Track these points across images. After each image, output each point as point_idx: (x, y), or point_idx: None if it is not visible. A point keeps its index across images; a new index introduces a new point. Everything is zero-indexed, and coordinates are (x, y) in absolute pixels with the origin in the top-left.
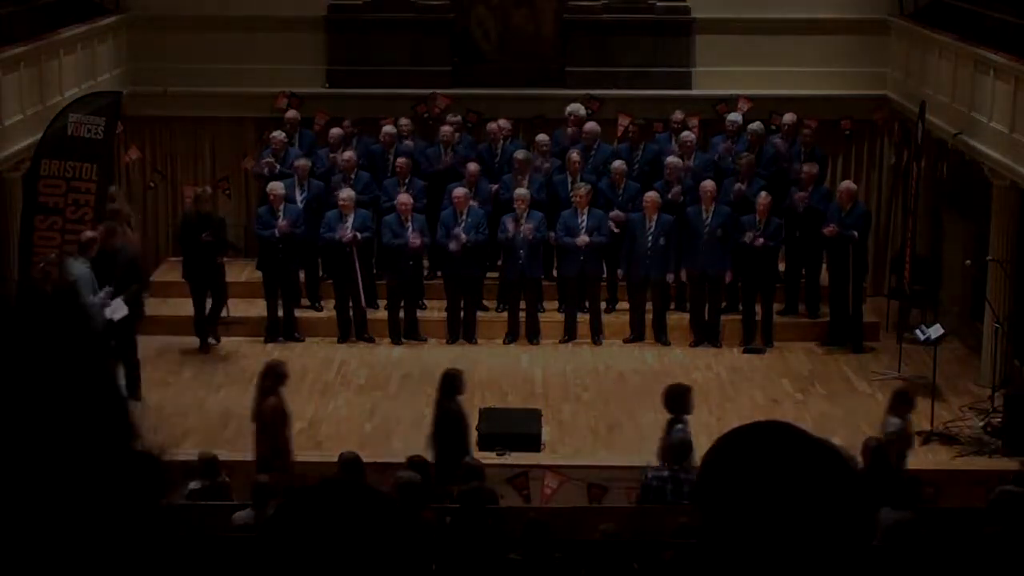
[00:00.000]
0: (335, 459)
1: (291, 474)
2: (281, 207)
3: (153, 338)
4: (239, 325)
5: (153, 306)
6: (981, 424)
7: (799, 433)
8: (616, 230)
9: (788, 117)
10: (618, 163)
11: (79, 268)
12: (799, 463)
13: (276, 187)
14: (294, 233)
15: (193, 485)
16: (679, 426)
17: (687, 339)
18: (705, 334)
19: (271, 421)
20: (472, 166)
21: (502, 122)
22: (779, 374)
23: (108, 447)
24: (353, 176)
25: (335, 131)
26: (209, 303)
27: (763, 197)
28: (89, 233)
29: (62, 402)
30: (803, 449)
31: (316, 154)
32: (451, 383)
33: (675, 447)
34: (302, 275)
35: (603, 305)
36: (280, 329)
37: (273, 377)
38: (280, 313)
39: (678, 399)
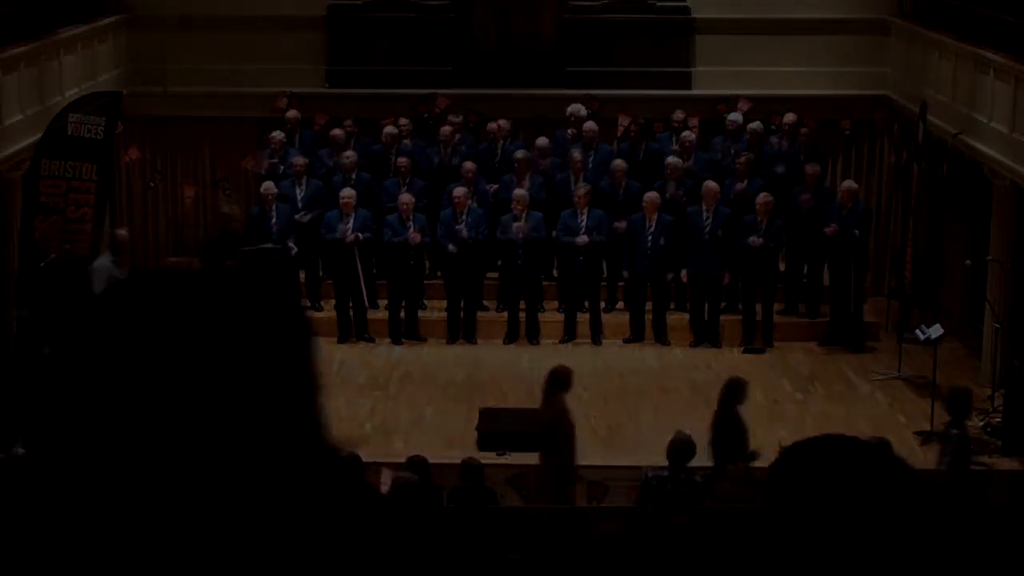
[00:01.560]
0: None
1: (576, 477)
2: (273, 207)
3: None
4: None
5: None
6: (981, 424)
7: (864, 445)
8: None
9: (788, 117)
10: (619, 161)
11: (109, 267)
12: (870, 476)
13: (269, 187)
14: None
15: None
16: (956, 431)
17: (687, 339)
18: (705, 334)
19: (556, 425)
20: (468, 165)
21: (502, 122)
22: (779, 374)
23: (301, 439)
24: (354, 176)
25: (338, 132)
26: None
27: (763, 197)
28: (122, 232)
29: (267, 386)
30: (874, 462)
31: (317, 154)
32: (735, 391)
33: (677, 447)
34: (302, 275)
35: (603, 305)
36: None
37: (558, 382)
38: None
39: (961, 402)
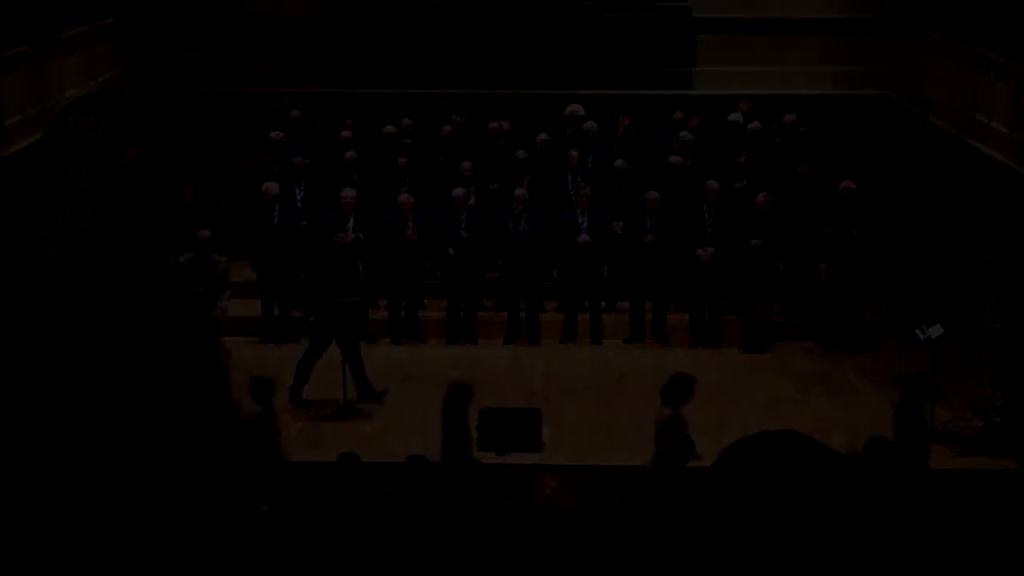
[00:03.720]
0: (335, 459)
1: None
2: (276, 207)
3: None
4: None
5: None
6: (981, 424)
7: (808, 441)
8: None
9: (789, 117)
10: (619, 161)
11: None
12: (809, 471)
13: (271, 187)
14: (292, 232)
15: None
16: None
17: (687, 339)
18: (705, 334)
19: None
20: (467, 164)
21: (503, 122)
22: (779, 374)
23: (204, 406)
24: (354, 176)
25: (345, 133)
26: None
27: (763, 197)
28: (205, 232)
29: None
30: (812, 457)
31: (317, 154)
32: (920, 392)
33: (676, 446)
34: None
35: (603, 305)
36: (277, 329)
37: (921, 392)
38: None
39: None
